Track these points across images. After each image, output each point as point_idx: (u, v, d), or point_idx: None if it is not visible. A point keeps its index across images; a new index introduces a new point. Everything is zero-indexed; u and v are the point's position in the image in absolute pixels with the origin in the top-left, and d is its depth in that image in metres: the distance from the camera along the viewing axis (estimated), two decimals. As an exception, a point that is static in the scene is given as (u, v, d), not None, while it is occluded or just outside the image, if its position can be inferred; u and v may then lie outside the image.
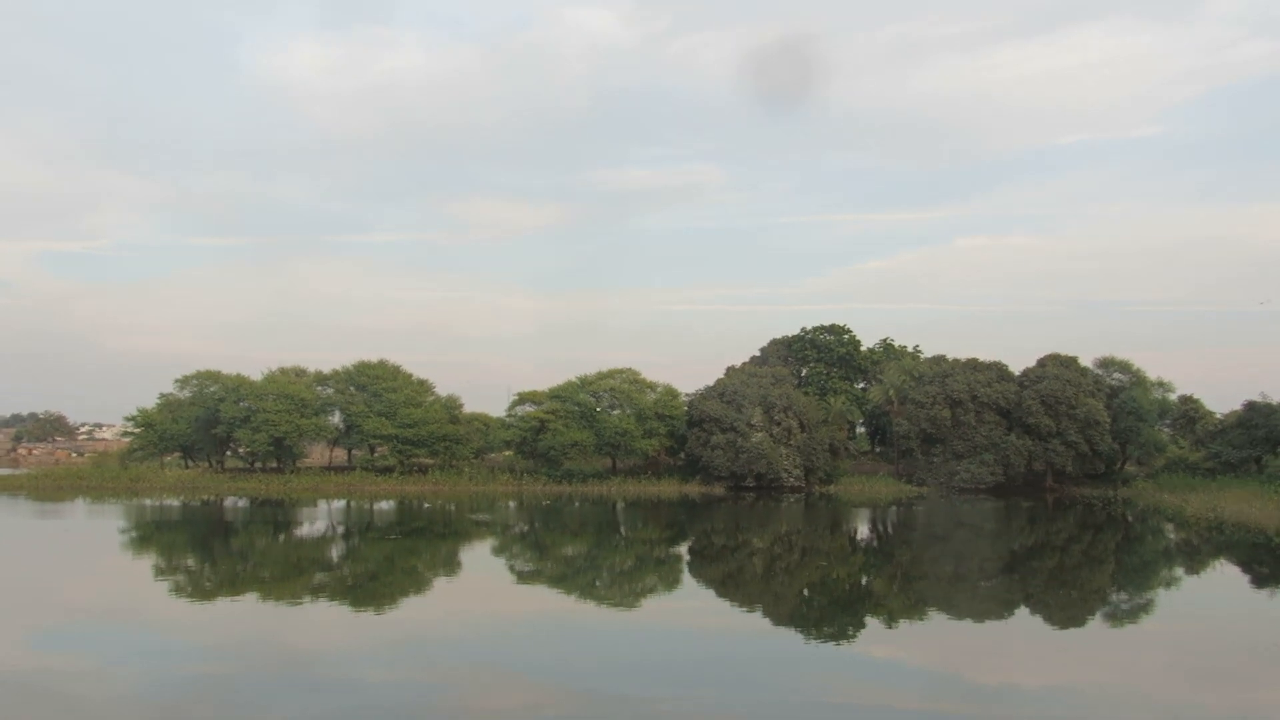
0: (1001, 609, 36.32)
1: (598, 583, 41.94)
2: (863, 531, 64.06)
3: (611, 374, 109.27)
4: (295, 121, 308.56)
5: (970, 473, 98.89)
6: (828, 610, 36.22)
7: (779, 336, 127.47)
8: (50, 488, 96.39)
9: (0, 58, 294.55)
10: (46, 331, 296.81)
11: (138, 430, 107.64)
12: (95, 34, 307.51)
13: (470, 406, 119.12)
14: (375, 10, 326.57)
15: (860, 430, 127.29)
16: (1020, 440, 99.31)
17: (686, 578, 43.59)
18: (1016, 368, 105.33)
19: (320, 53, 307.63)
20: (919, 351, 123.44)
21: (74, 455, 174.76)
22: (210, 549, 51.42)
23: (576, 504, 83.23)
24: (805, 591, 40.19)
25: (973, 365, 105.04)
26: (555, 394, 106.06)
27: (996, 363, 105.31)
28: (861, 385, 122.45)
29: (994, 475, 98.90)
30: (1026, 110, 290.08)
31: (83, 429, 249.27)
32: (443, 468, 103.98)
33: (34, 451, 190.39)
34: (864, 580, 43.01)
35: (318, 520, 68.09)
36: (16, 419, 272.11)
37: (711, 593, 39.81)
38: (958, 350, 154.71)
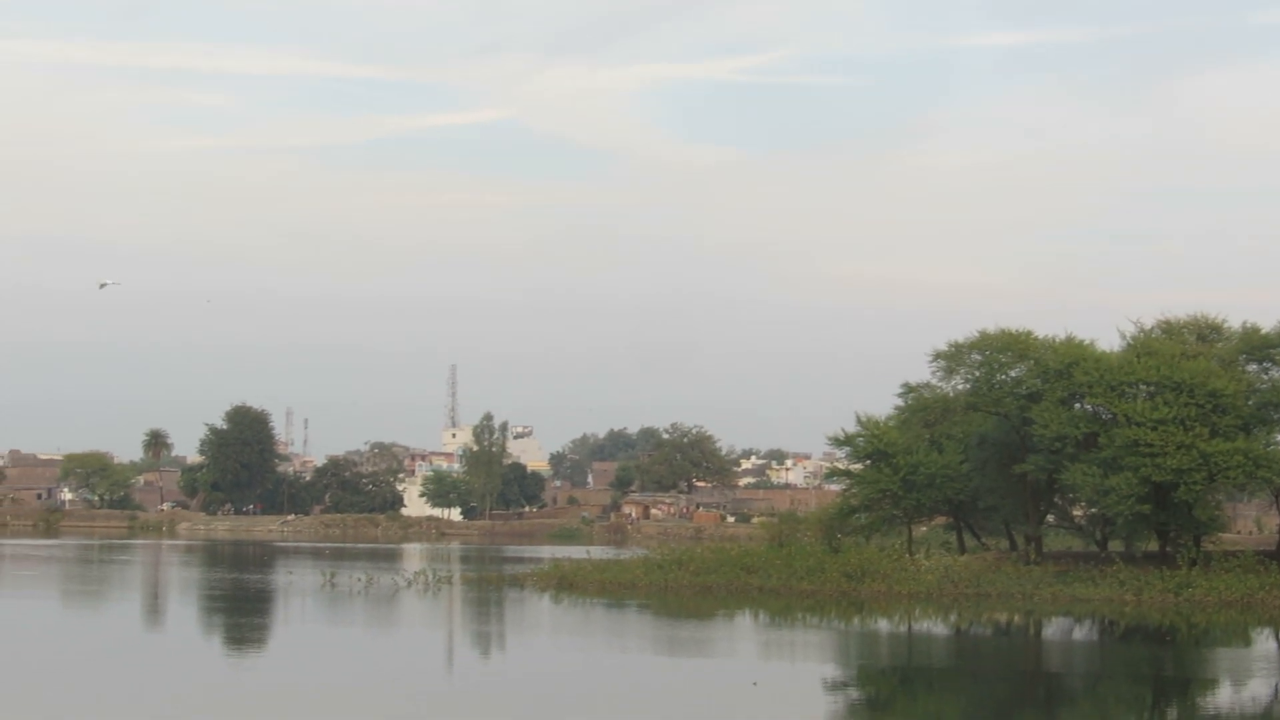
0: None
1: None
2: None
3: None
4: None
5: None
6: None
7: None
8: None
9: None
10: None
11: (858, 469, 61.73)
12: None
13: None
14: None
15: None
16: None
17: None
18: None
19: None
20: None
21: (726, 518, 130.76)
22: None
23: None
24: None
25: None
26: None
27: None
28: None
29: None
30: None
31: (747, 463, 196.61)
32: None
33: (654, 511, 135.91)
34: None
35: None
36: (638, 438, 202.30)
37: None
38: None
